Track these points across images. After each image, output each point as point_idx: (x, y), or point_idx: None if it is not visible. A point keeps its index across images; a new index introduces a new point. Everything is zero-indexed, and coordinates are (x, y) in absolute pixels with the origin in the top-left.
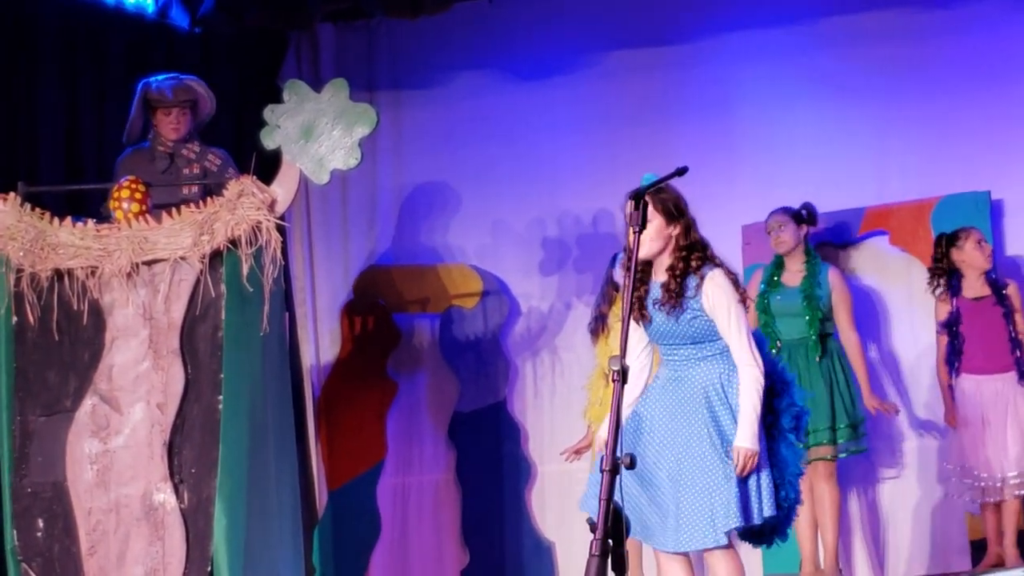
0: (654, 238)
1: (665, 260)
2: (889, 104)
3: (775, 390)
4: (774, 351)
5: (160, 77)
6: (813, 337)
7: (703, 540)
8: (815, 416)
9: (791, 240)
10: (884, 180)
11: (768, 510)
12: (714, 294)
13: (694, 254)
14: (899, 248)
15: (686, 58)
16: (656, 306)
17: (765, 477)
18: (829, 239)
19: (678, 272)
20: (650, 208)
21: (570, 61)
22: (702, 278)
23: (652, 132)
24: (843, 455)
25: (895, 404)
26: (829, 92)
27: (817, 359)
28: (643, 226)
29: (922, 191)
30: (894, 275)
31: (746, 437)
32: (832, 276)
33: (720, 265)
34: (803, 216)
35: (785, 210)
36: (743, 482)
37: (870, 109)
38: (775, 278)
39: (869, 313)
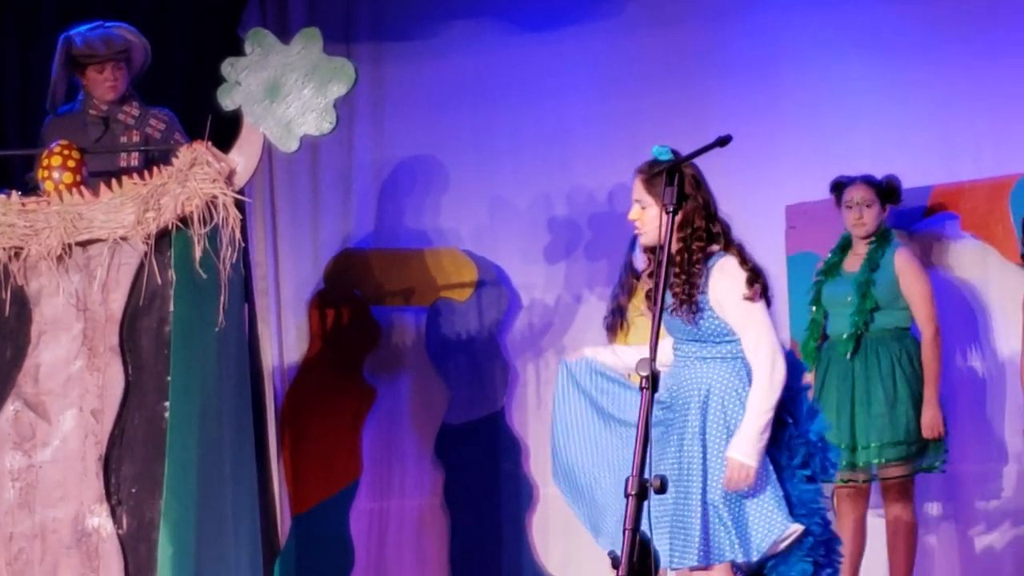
0: (651, 223)
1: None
2: (959, 66)
3: (782, 419)
4: (814, 345)
5: (82, 28)
6: (849, 331)
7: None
8: (867, 429)
9: (875, 222)
10: (953, 154)
11: (757, 550)
12: (721, 286)
13: (696, 242)
14: (971, 234)
15: (723, 8)
16: (669, 311)
17: (767, 502)
18: (889, 223)
19: (682, 265)
20: (641, 192)
21: (584, 9)
22: (707, 273)
23: (681, 95)
24: (906, 475)
25: (941, 431)
26: (889, 52)
27: (848, 358)
28: (679, 205)
29: (998, 167)
30: (966, 265)
31: (741, 447)
32: (900, 258)
33: (735, 252)
34: (886, 191)
35: (869, 182)
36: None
37: (937, 71)
38: (835, 263)
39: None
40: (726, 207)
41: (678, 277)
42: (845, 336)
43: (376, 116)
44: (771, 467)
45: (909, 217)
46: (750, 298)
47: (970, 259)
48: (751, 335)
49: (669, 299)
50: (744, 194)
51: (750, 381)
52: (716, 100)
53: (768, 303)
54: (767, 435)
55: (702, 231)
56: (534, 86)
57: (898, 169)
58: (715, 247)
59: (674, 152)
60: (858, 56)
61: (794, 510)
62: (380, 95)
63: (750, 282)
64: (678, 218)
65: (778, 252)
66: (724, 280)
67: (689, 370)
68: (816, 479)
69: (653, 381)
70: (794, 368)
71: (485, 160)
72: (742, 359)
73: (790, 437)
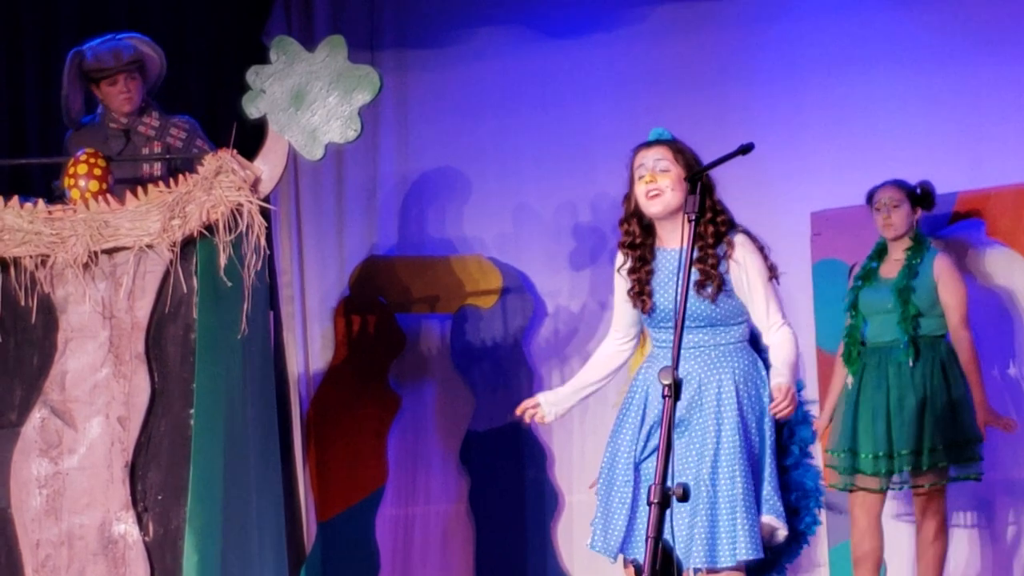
0: (674, 188)
1: (679, 227)
2: (984, 72)
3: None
4: (856, 352)
5: (94, 42)
6: (904, 339)
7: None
8: (901, 436)
9: (903, 224)
10: (979, 160)
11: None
12: (747, 260)
13: (720, 216)
14: (997, 240)
15: (747, 15)
16: (695, 289)
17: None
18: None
19: (709, 242)
20: (668, 156)
21: (609, 16)
22: (730, 244)
23: (705, 103)
24: (939, 484)
25: (1013, 419)
26: (914, 59)
27: (910, 364)
28: (701, 213)
29: None
30: (993, 272)
31: (786, 374)
32: (939, 264)
33: (743, 231)
34: (919, 195)
35: (899, 184)
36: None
37: (962, 77)
38: (872, 269)
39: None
40: (751, 214)
41: (708, 252)
42: (903, 344)
43: (401, 123)
44: (775, 463)
45: (935, 223)
46: (771, 276)
47: (996, 266)
48: (775, 311)
49: (670, 270)
50: (769, 201)
51: (766, 366)
52: (740, 107)
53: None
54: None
55: (720, 207)
56: (558, 93)
57: (923, 175)
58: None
59: (674, 137)
60: (883, 63)
61: (816, 492)
62: (405, 102)
63: (766, 259)
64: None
65: (803, 259)
66: (748, 254)
67: (701, 362)
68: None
69: (676, 390)
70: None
71: (510, 167)
72: (749, 345)
73: (804, 416)
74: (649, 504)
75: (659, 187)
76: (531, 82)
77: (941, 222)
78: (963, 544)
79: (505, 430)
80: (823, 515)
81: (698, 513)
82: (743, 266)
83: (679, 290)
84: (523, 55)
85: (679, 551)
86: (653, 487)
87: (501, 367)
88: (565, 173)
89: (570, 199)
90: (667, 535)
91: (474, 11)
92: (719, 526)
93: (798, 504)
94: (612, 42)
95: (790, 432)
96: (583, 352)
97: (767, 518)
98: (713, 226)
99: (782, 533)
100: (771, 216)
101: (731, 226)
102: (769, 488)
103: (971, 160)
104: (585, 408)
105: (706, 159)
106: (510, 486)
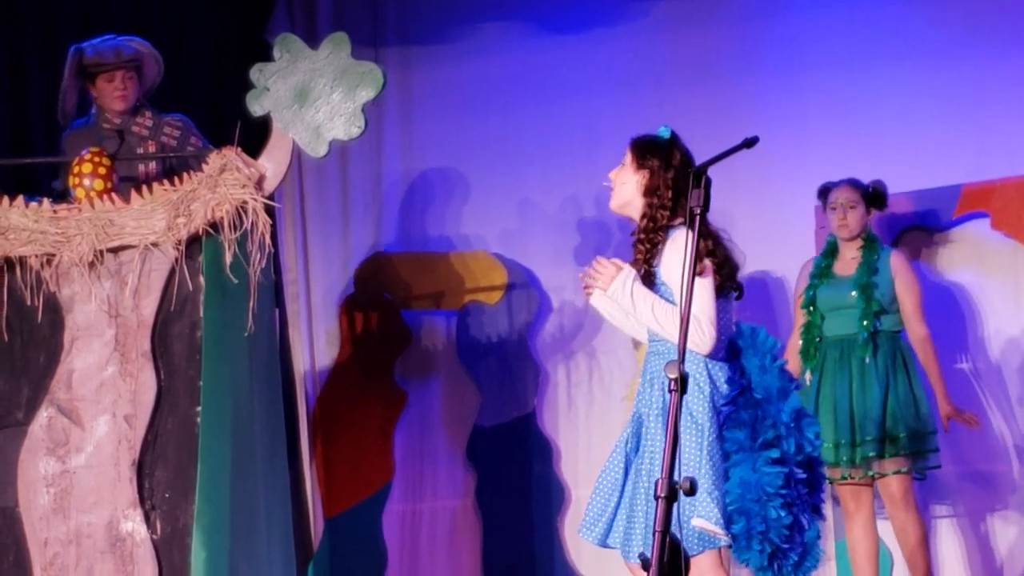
0: (618, 184)
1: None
2: (987, 64)
3: (750, 400)
4: (813, 349)
5: (94, 40)
6: (864, 335)
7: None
8: (865, 424)
9: (858, 225)
10: (984, 152)
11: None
12: (671, 257)
13: (660, 211)
14: (1002, 233)
15: (750, 10)
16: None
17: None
18: (918, 223)
19: (645, 232)
20: (628, 153)
21: (612, 11)
22: (666, 240)
23: (709, 98)
24: (903, 471)
25: (973, 413)
26: (917, 53)
27: (866, 361)
28: (706, 207)
29: None
30: (996, 265)
31: (623, 275)
32: (895, 261)
33: (701, 229)
34: (871, 195)
35: (855, 184)
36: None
37: (965, 70)
38: (826, 267)
39: (965, 311)
40: (755, 209)
41: (641, 244)
42: (862, 338)
43: (404, 120)
44: (713, 465)
45: (939, 216)
46: (697, 272)
47: (1001, 258)
48: (694, 305)
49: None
50: (773, 195)
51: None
52: (744, 102)
53: (724, 290)
54: (621, 301)
55: (668, 200)
56: (562, 89)
57: (927, 168)
58: (679, 220)
59: (673, 133)
60: (887, 57)
61: (746, 494)
62: (408, 99)
63: (699, 258)
64: (644, 181)
65: (807, 253)
66: (675, 252)
67: (652, 354)
68: (787, 461)
69: (682, 383)
70: (757, 342)
71: (514, 163)
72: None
73: (756, 419)
74: (656, 498)
75: (614, 181)
76: (534, 78)
77: (946, 214)
78: (944, 538)
79: (511, 425)
80: (829, 509)
81: (623, 505)
82: (668, 266)
83: (685, 296)
84: (526, 51)
85: (616, 538)
86: (660, 481)
87: (507, 362)
88: (569, 168)
89: (574, 194)
90: (674, 528)
91: (477, 7)
92: (635, 520)
93: (733, 510)
94: (615, 37)
95: (721, 435)
96: (588, 347)
97: (696, 521)
98: (651, 221)
99: (718, 537)
100: (775, 210)
101: (670, 224)
102: (702, 491)
103: (975, 153)
104: (591, 402)
105: (709, 154)
106: (517, 481)
